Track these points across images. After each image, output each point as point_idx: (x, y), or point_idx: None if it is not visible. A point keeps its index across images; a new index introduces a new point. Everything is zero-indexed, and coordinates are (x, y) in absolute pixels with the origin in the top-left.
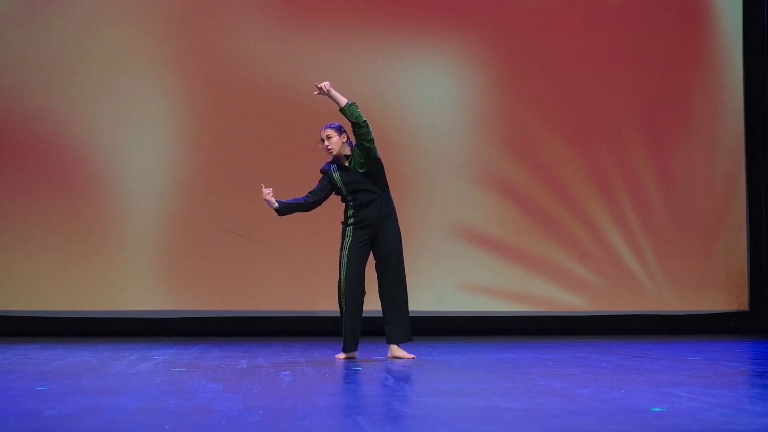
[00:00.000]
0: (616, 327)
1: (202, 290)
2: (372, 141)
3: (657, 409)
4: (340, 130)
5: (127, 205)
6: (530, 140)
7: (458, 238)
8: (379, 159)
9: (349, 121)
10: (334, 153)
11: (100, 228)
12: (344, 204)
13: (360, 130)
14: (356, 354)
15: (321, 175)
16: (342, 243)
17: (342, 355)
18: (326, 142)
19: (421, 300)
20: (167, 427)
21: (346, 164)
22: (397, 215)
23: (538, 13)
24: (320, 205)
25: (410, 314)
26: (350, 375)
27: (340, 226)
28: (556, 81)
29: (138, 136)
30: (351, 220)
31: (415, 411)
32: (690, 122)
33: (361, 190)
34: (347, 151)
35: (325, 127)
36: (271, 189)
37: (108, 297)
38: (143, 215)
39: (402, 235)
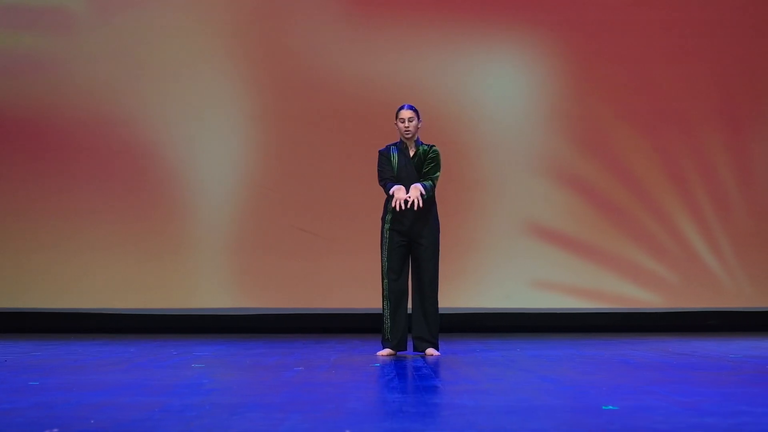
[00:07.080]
0: (693, 324)
1: (273, 288)
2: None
3: (609, 407)
4: (417, 113)
5: (198, 203)
6: (603, 134)
7: (529, 234)
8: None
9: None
10: (411, 136)
11: (172, 227)
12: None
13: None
14: (396, 352)
15: (380, 158)
16: (381, 243)
17: (384, 352)
18: (407, 123)
19: (491, 297)
20: (92, 420)
21: (411, 154)
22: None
23: (611, 6)
24: None
25: (479, 311)
26: (358, 372)
27: None
28: (629, 74)
29: (209, 136)
30: (388, 217)
31: (364, 407)
32: None
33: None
34: (415, 138)
35: (405, 107)
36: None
37: (180, 295)
38: (215, 214)
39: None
